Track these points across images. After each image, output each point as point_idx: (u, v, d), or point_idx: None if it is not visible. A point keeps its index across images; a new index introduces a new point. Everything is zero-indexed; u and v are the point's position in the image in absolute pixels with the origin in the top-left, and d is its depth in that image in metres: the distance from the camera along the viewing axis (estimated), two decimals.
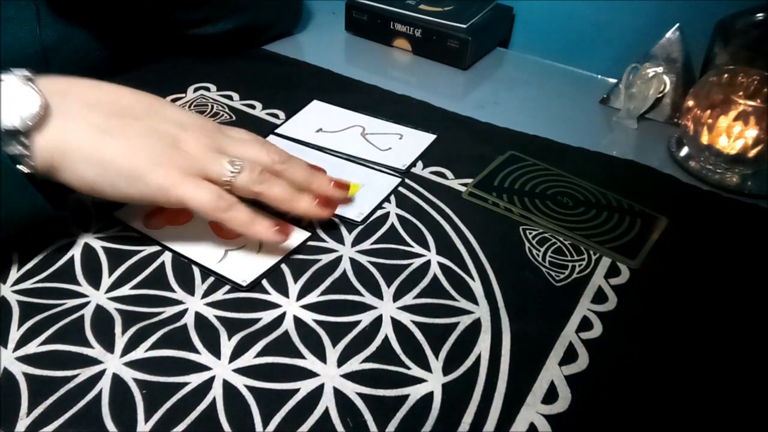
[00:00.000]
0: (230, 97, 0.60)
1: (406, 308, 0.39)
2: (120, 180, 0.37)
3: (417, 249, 0.44)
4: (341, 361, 0.35)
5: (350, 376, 0.34)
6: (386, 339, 0.37)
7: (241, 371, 0.34)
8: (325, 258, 0.42)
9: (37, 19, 0.50)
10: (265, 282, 0.40)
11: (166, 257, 0.41)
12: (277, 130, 0.55)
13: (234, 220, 0.38)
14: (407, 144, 0.55)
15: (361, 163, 0.52)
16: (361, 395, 0.33)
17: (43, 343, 0.35)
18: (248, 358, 0.35)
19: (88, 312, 0.37)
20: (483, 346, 0.37)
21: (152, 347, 0.35)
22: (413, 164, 0.52)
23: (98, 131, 0.37)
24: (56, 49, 0.52)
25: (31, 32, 0.50)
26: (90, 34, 0.55)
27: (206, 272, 0.40)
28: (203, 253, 0.41)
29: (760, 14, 0.55)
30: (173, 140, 0.38)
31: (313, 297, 0.39)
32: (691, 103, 0.54)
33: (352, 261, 0.42)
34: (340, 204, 0.45)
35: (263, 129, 0.55)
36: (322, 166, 0.46)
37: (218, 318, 0.37)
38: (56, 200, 0.37)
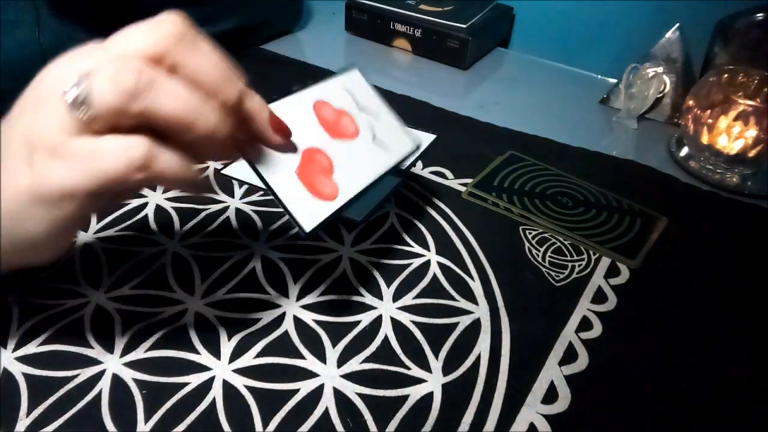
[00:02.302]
0: None
1: (406, 308, 0.39)
2: None
3: (417, 249, 0.43)
4: (341, 362, 0.35)
5: (350, 377, 0.34)
6: (386, 339, 0.37)
7: (241, 371, 0.34)
8: (325, 258, 0.42)
9: (37, 23, 0.50)
10: (264, 282, 0.40)
11: (167, 258, 0.41)
12: None
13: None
14: None
15: None
16: (361, 395, 0.33)
17: (43, 343, 0.35)
18: (248, 359, 0.35)
19: (88, 312, 0.37)
20: (483, 346, 0.37)
21: (152, 347, 0.35)
22: (413, 164, 0.52)
23: None
24: (55, 53, 0.52)
25: (30, 35, 0.50)
26: (89, 37, 0.54)
27: (278, 203, 0.31)
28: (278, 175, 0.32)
29: (760, 14, 0.55)
30: None
31: (313, 297, 0.39)
32: (691, 103, 0.54)
33: (352, 261, 0.42)
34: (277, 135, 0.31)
35: None
36: None
37: (218, 318, 0.37)
38: None
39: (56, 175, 0.25)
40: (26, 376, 0.33)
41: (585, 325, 0.39)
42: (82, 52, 0.27)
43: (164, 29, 0.25)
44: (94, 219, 0.44)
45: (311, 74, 0.65)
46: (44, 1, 0.51)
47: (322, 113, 0.36)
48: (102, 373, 0.33)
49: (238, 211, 0.46)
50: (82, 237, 0.42)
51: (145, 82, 0.24)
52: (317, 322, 0.37)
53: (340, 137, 0.36)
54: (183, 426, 0.31)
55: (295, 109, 0.34)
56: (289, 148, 0.32)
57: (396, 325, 0.38)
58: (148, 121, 0.25)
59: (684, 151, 0.56)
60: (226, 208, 0.46)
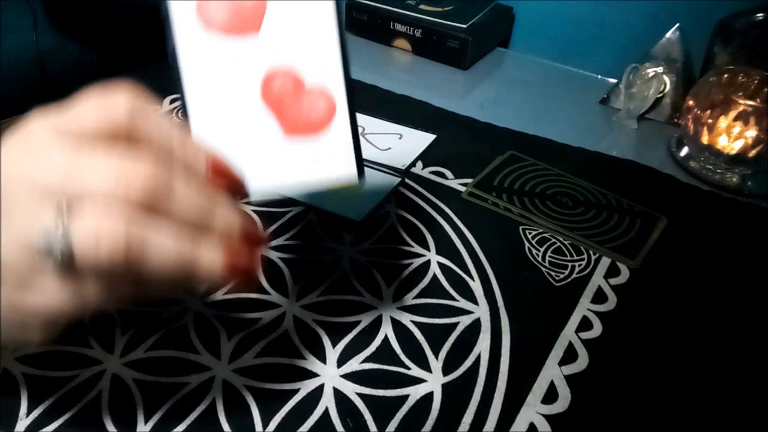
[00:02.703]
0: None
1: (405, 308, 0.39)
2: None
3: (417, 249, 0.43)
4: (341, 362, 0.35)
5: (350, 377, 0.34)
6: (386, 339, 0.37)
7: (241, 371, 0.34)
8: (325, 258, 0.42)
9: (34, 26, 0.51)
10: (264, 282, 0.40)
11: None
12: None
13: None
14: (407, 144, 0.55)
15: None
16: (361, 395, 0.33)
17: None
18: (248, 359, 0.35)
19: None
20: (483, 346, 0.37)
21: (152, 347, 0.35)
22: (413, 164, 0.52)
23: None
24: (53, 56, 0.52)
25: (28, 39, 0.50)
26: (86, 41, 0.55)
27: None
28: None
29: (760, 14, 0.55)
30: None
31: (313, 297, 0.39)
32: (691, 103, 0.54)
33: (352, 261, 0.42)
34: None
35: None
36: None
37: (218, 318, 0.37)
38: None
39: (28, 304, 0.23)
40: (26, 376, 0.33)
41: (585, 325, 0.39)
42: (44, 147, 0.23)
43: (118, 103, 0.23)
44: None
45: None
46: (41, 4, 0.51)
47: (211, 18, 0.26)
48: (102, 373, 0.33)
49: None
50: None
51: (135, 247, 0.22)
52: (317, 322, 0.37)
53: (257, 24, 0.26)
54: (183, 426, 0.31)
55: (200, 56, 0.26)
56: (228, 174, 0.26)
57: (396, 325, 0.38)
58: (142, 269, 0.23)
59: (684, 151, 0.56)
60: None
